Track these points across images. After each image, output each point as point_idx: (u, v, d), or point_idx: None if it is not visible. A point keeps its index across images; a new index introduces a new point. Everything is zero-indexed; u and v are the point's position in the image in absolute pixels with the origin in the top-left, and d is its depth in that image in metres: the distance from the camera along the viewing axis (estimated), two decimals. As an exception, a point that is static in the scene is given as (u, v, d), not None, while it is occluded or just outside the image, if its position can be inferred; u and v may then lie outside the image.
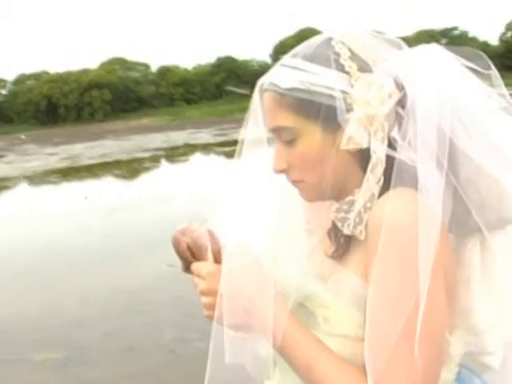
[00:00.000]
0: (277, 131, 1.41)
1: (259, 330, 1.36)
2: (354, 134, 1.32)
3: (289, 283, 1.41)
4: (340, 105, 1.32)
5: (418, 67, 1.34)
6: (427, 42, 1.45)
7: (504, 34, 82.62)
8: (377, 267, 1.25)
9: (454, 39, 78.79)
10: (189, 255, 1.45)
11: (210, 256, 1.42)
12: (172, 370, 5.63)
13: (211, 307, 1.37)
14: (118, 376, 5.79)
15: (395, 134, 1.31)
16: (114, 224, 13.26)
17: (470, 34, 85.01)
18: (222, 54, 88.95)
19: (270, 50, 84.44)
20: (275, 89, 1.38)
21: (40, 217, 15.12)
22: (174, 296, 7.29)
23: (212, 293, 1.37)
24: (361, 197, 1.35)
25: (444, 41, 68.49)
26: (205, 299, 1.39)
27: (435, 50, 1.38)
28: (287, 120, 1.37)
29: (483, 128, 1.34)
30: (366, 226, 1.32)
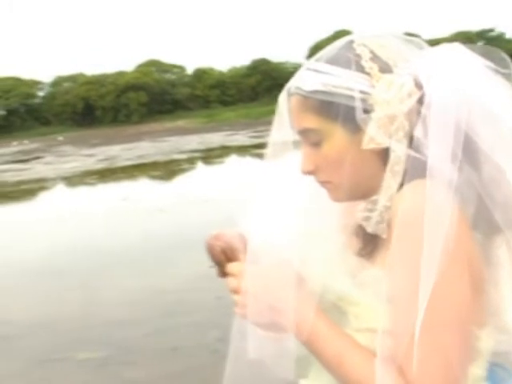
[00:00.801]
0: (303, 133, 1.44)
1: (287, 327, 1.39)
2: (374, 134, 1.34)
3: (319, 282, 1.43)
4: (360, 105, 1.35)
5: (437, 66, 1.35)
6: (463, 43, 1.45)
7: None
8: (391, 260, 1.29)
9: (490, 40, 78.26)
10: (223, 259, 1.49)
11: (243, 257, 1.45)
12: (216, 370, 5.58)
13: (242, 305, 1.41)
14: (161, 376, 5.79)
15: (417, 132, 1.32)
16: (153, 225, 13.30)
17: (508, 36, 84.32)
18: (257, 56, 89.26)
19: (305, 52, 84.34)
20: (300, 92, 1.42)
21: (79, 217, 15.21)
22: (216, 297, 7.28)
23: (244, 291, 1.42)
24: (382, 196, 1.38)
25: (481, 42, 67.95)
26: (236, 297, 1.44)
27: (457, 49, 1.40)
28: (312, 122, 1.40)
29: (504, 127, 1.35)
30: (388, 223, 1.35)
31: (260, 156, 25.59)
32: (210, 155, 30.61)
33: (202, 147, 35.44)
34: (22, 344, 7.12)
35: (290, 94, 1.46)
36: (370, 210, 1.40)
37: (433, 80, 1.33)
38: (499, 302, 1.40)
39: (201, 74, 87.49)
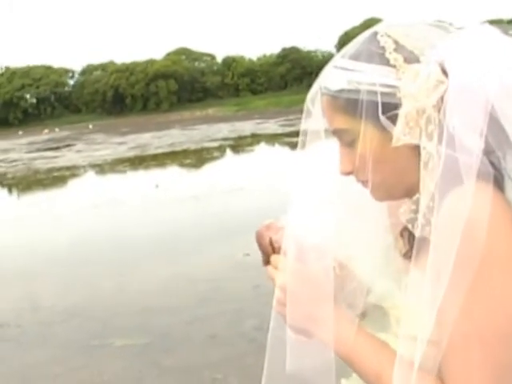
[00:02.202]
0: (336, 134, 1.39)
1: (322, 337, 1.36)
2: (403, 130, 1.27)
3: (364, 281, 1.41)
4: (388, 100, 1.28)
5: (464, 49, 1.27)
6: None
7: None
8: (442, 266, 1.20)
9: (523, 29, 77.49)
10: (270, 250, 1.46)
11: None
12: (255, 359, 5.59)
13: (282, 303, 1.38)
14: (200, 364, 5.79)
15: (446, 122, 1.23)
16: (186, 213, 13.34)
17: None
18: (287, 44, 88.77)
19: (335, 40, 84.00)
20: (328, 92, 1.36)
21: (113, 205, 15.31)
22: (253, 285, 7.26)
23: (285, 289, 1.39)
24: (422, 196, 1.30)
25: (513, 31, 67.29)
26: (278, 294, 1.40)
27: (486, 30, 1.30)
28: (342, 122, 1.35)
29: None
30: (434, 225, 1.25)
31: (292, 144, 25.67)
32: (242, 143, 30.64)
33: (233, 135, 35.47)
34: (60, 330, 7.17)
35: (321, 94, 1.40)
36: (414, 211, 1.34)
37: (459, 65, 1.25)
38: None
39: (230, 62, 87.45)
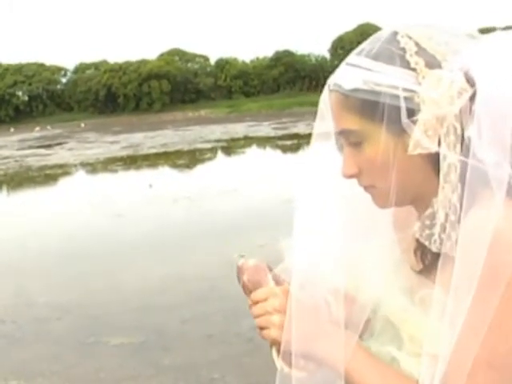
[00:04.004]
0: (344, 134, 1.32)
1: (325, 355, 1.31)
2: (421, 138, 1.21)
3: (374, 296, 1.35)
4: (405, 105, 1.22)
5: (490, 58, 1.22)
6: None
7: None
8: (464, 282, 1.17)
9: (517, 38, 77.62)
10: (247, 292, 1.44)
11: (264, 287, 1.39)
12: (252, 358, 5.61)
13: (279, 326, 1.33)
14: (197, 363, 5.79)
15: (470, 133, 1.18)
16: (180, 213, 13.34)
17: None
18: (280, 47, 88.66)
19: (328, 44, 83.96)
20: (339, 90, 1.30)
21: (107, 204, 15.28)
22: (248, 286, 7.26)
23: (266, 313, 1.35)
24: (440, 209, 1.24)
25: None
26: (275, 318, 1.34)
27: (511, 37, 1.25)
28: (352, 123, 1.28)
29: None
30: (460, 240, 1.20)
31: (284, 147, 25.67)
32: (235, 145, 30.62)
33: (225, 137, 35.42)
34: (56, 327, 7.16)
35: (330, 91, 1.34)
36: (430, 227, 1.27)
37: (486, 75, 1.20)
38: None
39: (224, 64, 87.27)
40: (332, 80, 1.33)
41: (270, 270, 1.40)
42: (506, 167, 1.16)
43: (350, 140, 1.31)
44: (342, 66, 1.33)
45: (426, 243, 1.28)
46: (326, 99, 1.35)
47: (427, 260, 1.30)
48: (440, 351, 1.17)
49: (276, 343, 1.36)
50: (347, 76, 1.29)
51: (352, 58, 1.31)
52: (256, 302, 1.38)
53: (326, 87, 1.35)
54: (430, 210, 1.27)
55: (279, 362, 1.38)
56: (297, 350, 1.32)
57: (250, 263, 1.42)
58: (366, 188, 1.35)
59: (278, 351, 1.37)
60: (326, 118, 1.35)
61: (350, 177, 1.34)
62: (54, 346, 6.60)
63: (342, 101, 1.29)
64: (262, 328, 1.37)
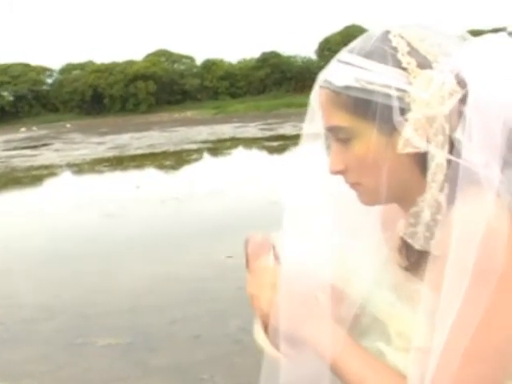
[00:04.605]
0: (332, 131, 1.33)
1: (313, 339, 1.32)
2: (411, 137, 1.23)
3: (362, 293, 1.37)
4: (396, 104, 1.23)
5: (481, 61, 1.24)
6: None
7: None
8: (448, 278, 1.18)
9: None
10: (248, 264, 1.46)
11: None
12: (240, 359, 5.63)
13: (269, 303, 1.35)
14: (186, 364, 5.81)
15: (459, 135, 1.20)
16: (168, 214, 13.33)
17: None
18: (267, 48, 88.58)
19: (314, 46, 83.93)
20: (330, 86, 1.31)
21: (94, 204, 15.22)
22: (236, 287, 7.26)
23: (260, 284, 1.38)
24: (426, 208, 1.26)
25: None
26: (266, 292, 1.37)
27: (503, 39, 1.27)
28: (342, 120, 1.29)
29: None
30: (442, 239, 1.22)
31: (271, 148, 25.62)
32: (221, 146, 30.58)
33: (212, 138, 35.39)
34: (43, 328, 7.15)
35: (320, 87, 1.34)
36: (414, 225, 1.29)
37: (477, 77, 1.21)
38: None
39: (210, 65, 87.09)
40: (323, 76, 1.34)
41: (274, 248, 1.42)
42: (495, 168, 1.17)
43: (338, 137, 1.32)
44: (333, 62, 1.33)
45: (410, 241, 1.29)
46: (315, 95, 1.36)
47: (413, 257, 1.31)
48: (432, 346, 1.18)
49: (263, 317, 1.37)
50: (338, 73, 1.30)
51: (343, 55, 1.32)
52: (253, 273, 1.41)
53: (317, 83, 1.36)
54: (415, 209, 1.28)
55: (262, 339, 1.40)
56: (284, 330, 1.34)
57: (256, 238, 1.45)
58: (352, 185, 1.36)
59: (265, 328, 1.38)
60: (315, 113, 1.37)
61: (337, 173, 1.35)
62: (43, 346, 6.59)
63: (333, 97, 1.30)
64: (252, 297, 1.39)
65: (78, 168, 25.61)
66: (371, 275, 1.38)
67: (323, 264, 1.38)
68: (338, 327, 1.33)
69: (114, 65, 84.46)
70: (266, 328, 1.39)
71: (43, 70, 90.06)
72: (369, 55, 1.28)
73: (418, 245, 1.28)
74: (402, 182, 1.30)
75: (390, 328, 1.34)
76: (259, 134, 34.81)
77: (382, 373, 1.28)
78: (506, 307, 1.15)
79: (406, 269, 1.34)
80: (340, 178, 1.37)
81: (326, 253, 1.39)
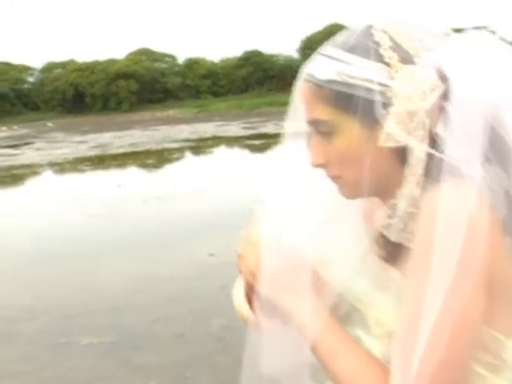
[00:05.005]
0: (314, 124, 1.35)
1: (296, 312, 1.34)
2: (392, 131, 1.24)
3: (342, 281, 1.39)
4: (378, 99, 1.25)
5: (462, 57, 1.26)
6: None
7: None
8: (410, 262, 1.21)
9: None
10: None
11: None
12: (224, 357, 5.64)
13: (253, 274, 1.38)
14: (170, 362, 5.81)
15: (440, 130, 1.23)
16: (150, 213, 13.30)
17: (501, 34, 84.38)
18: (249, 47, 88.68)
19: (297, 44, 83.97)
20: (312, 80, 1.32)
21: (75, 204, 15.15)
22: (219, 285, 7.29)
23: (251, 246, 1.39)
24: (402, 200, 1.28)
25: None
26: (251, 263, 1.39)
27: (484, 36, 1.30)
28: (324, 113, 1.31)
29: None
30: (414, 231, 1.23)
31: (253, 147, 25.54)
32: (203, 145, 30.51)
33: (194, 137, 35.30)
34: (26, 328, 7.11)
35: (303, 80, 1.36)
36: (390, 217, 1.31)
37: (458, 72, 1.23)
38: None
39: (192, 63, 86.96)
40: (306, 70, 1.35)
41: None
42: (476, 164, 1.19)
43: (320, 130, 1.34)
44: (317, 56, 1.35)
45: (385, 232, 1.32)
46: (298, 88, 1.37)
47: (390, 248, 1.33)
48: (418, 335, 1.17)
49: (248, 277, 1.40)
50: (321, 67, 1.32)
51: (327, 49, 1.34)
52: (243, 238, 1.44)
53: (300, 77, 1.37)
54: (393, 201, 1.31)
55: (239, 301, 1.44)
56: (265, 295, 1.36)
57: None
58: (333, 178, 1.38)
59: (247, 290, 1.41)
60: (297, 111, 1.38)
61: (318, 166, 1.37)
62: (25, 346, 6.57)
63: (315, 91, 1.32)
64: (240, 256, 1.42)
65: (60, 167, 25.48)
66: (351, 265, 1.40)
67: (305, 250, 1.39)
68: (320, 304, 1.35)
69: (96, 63, 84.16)
70: (248, 290, 1.42)
71: (24, 69, 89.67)
72: (351, 49, 1.29)
73: (393, 236, 1.31)
74: (383, 176, 1.32)
75: (368, 316, 1.35)
76: (241, 133, 34.78)
77: (360, 354, 1.29)
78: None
79: (384, 259, 1.36)
80: (321, 172, 1.39)
81: (306, 241, 1.40)
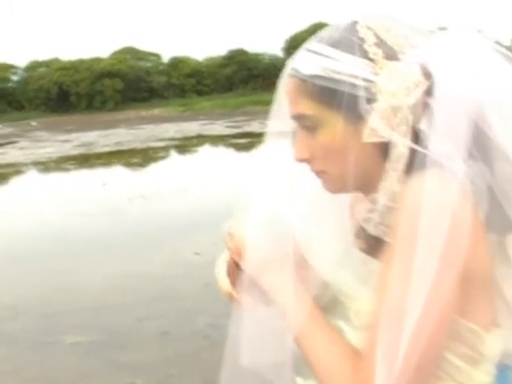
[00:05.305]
0: (298, 119, 1.36)
1: (278, 291, 1.36)
2: (376, 126, 1.25)
3: (323, 273, 1.40)
4: (362, 94, 1.26)
5: (446, 54, 1.27)
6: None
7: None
8: (392, 252, 1.21)
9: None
10: None
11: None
12: (209, 355, 5.62)
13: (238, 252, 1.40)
14: (155, 360, 5.79)
15: (424, 126, 1.24)
16: (135, 211, 13.27)
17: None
18: (234, 46, 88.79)
19: (281, 43, 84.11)
20: (297, 75, 1.33)
21: (60, 203, 15.11)
22: (204, 284, 7.28)
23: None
24: (381, 195, 1.29)
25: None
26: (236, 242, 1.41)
27: (468, 34, 1.31)
28: (308, 108, 1.32)
29: None
30: (391, 224, 1.25)
31: (238, 145, 25.54)
32: (188, 144, 30.51)
33: (179, 135, 35.29)
34: (8, 327, 7.07)
35: (287, 75, 1.37)
36: (370, 211, 1.32)
37: (442, 69, 1.25)
38: None
39: (177, 62, 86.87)
40: (290, 64, 1.36)
41: None
42: (459, 160, 1.20)
43: (304, 125, 1.35)
44: (302, 51, 1.35)
45: (365, 226, 1.33)
46: (283, 83, 1.38)
47: (370, 241, 1.33)
48: (403, 329, 1.16)
49: (234, 252, 1.42)
50: (306, 62, 1.32)
51: (312, 44, 1.34)
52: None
53: (284, 71, 1.37)
54: (374, 195, 1.31)
55: (221, 275, 1.47)
56: (248, 272, 1.38)
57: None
58: (317, 173, 1.39)
59: (233, 269, 1.43)
60: (282, 102, 1.38)
61: (302, 161, 1.38)
62: (8, 346, 6.52)
63: (300, 86, 1.32)
64: (230, 235, 1.44)
65: (44, 166, 25.38)
66: (334, 258, 1.41)
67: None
68: (304, 289, 1.36)
69: (80, 62, 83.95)
70: (233, 267, 1.44)
71: (8, 68, 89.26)
72: (336, 45, 1.30)
73: (371, 230, 1.31)
74: (366, 171, 1.32)
75: (349, 308, 1.36)
76: (226, 132, 34.81)
77: (338, 343, 1.30)
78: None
79: (366, 252, 1.36)
80: (305, 168, 1.39)
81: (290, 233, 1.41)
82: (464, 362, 1.26)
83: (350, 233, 1.41)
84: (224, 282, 1.47)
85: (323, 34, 1.34)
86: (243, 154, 22.11)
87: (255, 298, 1.40)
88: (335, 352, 1.28)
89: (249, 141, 25.93)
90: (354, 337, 1.31)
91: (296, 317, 1.32)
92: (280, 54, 79.04)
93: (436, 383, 1.26)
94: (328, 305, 1.41)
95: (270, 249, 1.37)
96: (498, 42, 1.33)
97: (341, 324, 1.36)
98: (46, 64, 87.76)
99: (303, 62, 1.33)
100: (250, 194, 1.46)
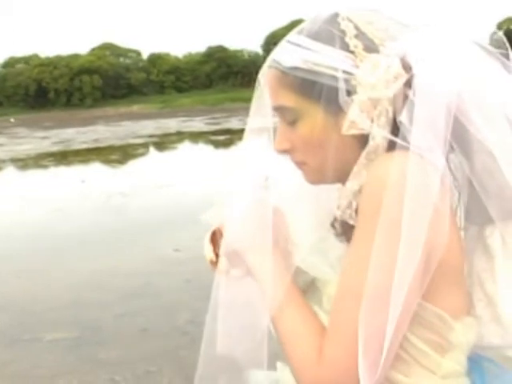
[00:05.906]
0: (279, 110, 1.37)
1: (255, 264, 1.37)
2: (356, 119, 1.26)
3: (299, 259, 1.41)
4: (342, 86, 1.27)
5: (426, 47, 1.28)
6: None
7: (495, 33, 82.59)
8: (360, 232, 1.23)
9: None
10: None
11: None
12: (189, 351, 5.62)
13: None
14: (134, 357, 5.78)
15: (403, 118, 1.23)
16: (114, 208, 13.23)
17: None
18: (213, 43, 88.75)
19: (261, 40, 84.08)
20: (278, 67, 1.34)
21: (39, 200, 15.01)
22: (183, 280, 7.29)
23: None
24: (350, 181, 1.31)
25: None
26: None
27: (449, 28, 1.33)
28: (288, 100, 1.33)
29: (498, 112, 1.27)
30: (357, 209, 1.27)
31: (217, 142, 25.54)
32: (167, 140, 30.46)
33: (158, 132, 35.22)
34: (-14, 325, 7.03)
35: (268, 67, 1.38)
36: (343, 198, 1.33)
37: (422, 62, 1.25)
38: (494, 293, 1.33)
39: (156, 59, 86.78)
40: (271, 56, 1.37)
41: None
42: (439, 152, 1.20)
43: (284, 116, 1.37)
44: (283, 43, 1.36)
45: (336, 212, 1.35)
46: (263, 75, 1.38)
47: (345, 227, 1.35)
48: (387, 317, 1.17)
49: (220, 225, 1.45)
50: (286, 54, 1.33)
51: (292, 36, 1.34)
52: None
53: (266, 63, 1.38)
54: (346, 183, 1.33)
55: (207, 247, 1.47)
56: (229, 244, 1.40)
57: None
58: (297, 164, 1.40)
59: (218, 237, 1.46)
60: (263, 94, 1.39)
61: (282, 152, 1.39)
62: (-14, 343, 6.50)
63: (280, 78, 1.33)
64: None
65: (23, 163, 25.22)
66: (311, 244, 1.42)
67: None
68: (282, 267, 1.37)
69: (59, 58, 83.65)
70: (217, 235, 1.47)
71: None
72: (317, 37, 1.31)
73: (339, 215, 1.34)
74: (346, 162, 1.33)
75: (322, 292, 1.38)
76: (205, 128, 34.79)
77: (301, 311, 1.31)
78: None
79: (340, 237, 1.39)
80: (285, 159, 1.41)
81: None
82: (430, 347, 1.27)
83: (328, 220, 1.43)
84: (207, 248, 1.48)
85: (304, 25, 1.35)
86: (222, 151, 22.10)
87: (236, 267, 1.41)
88: (306, 332, 1.28)
89: (228, 137, 25.92)
90: (326, 321, 1.31)
91: (273, 296, 1.33)
92: (259, 50, 79.19)
93: (402, 367, 1.27)
94: (304, 290, 1.41)
95: (250, 227, 1.39)
96: (478, 36, 1.36)
97: (316, 309, 1.36)
98: (25, 60, 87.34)
99: (284, 54, 1.33)
100: (231, 181, 1.48)
